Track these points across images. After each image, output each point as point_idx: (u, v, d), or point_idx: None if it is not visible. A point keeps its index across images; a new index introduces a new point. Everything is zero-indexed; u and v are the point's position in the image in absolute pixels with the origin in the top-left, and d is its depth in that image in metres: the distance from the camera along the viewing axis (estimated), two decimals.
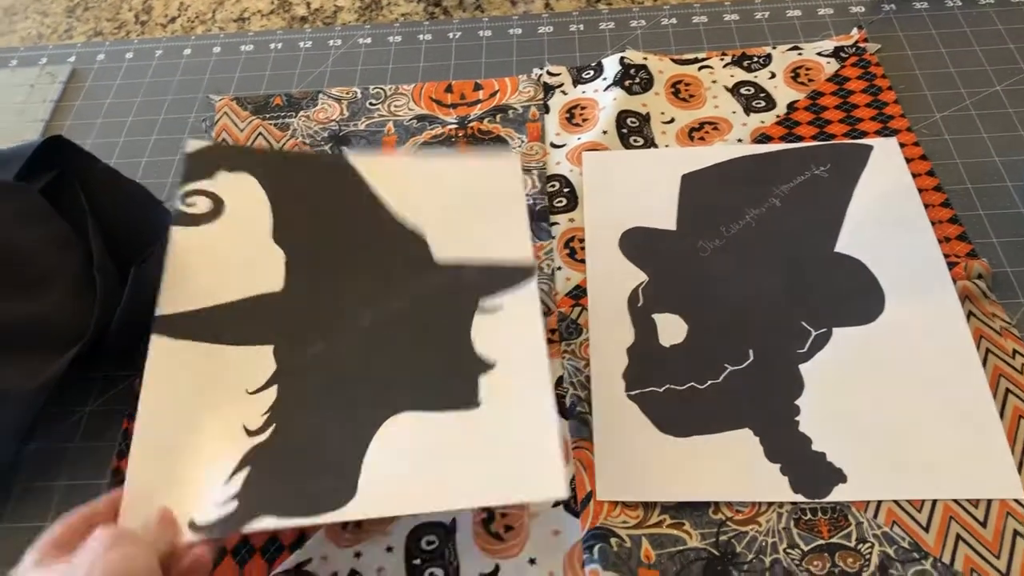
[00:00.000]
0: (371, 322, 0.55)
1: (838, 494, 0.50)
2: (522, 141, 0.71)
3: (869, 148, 0.66)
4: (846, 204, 0.63)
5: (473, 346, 0.53)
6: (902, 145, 0.66)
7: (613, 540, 0.49)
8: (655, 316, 0.59)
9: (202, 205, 0.58)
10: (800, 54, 0.75)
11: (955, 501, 0.49)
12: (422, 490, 0.47)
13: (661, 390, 0.56)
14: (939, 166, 0.65)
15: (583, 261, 0.63)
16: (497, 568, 0.50)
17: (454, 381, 0.52)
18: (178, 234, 0.56)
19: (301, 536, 0.52)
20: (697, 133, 0.70)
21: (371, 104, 0.76)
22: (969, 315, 0.57)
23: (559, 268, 0.63)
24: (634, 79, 0.73)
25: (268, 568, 0.51)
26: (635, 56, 0.75)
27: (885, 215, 0.62)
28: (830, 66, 0.74)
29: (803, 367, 0.56)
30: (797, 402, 0.54)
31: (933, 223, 0.61)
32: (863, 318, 0.57)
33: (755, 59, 0.75)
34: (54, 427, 0.58)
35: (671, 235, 0.63)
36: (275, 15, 0.89)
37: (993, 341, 0.55)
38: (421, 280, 0.57)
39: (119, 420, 0.58)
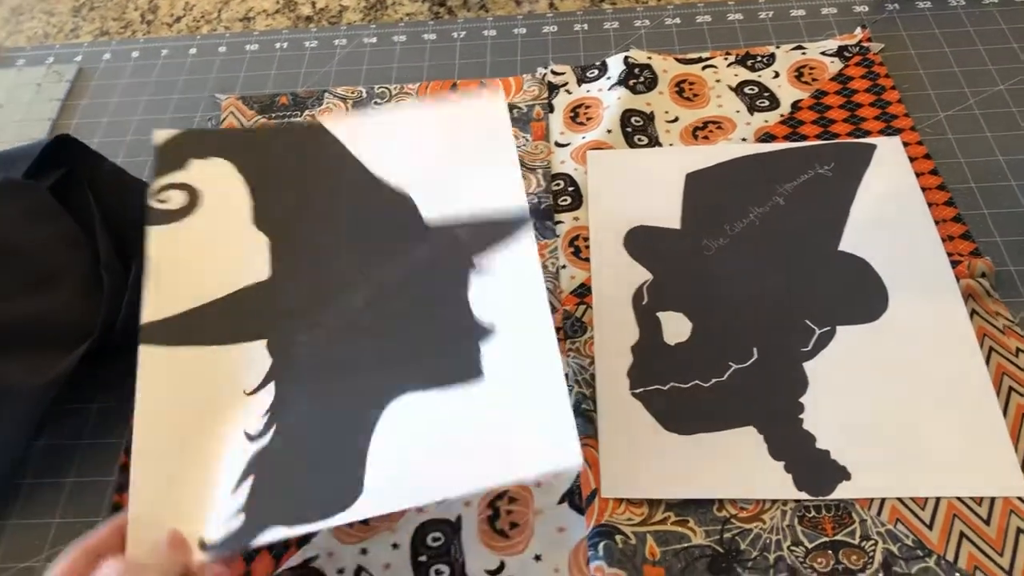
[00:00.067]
0: (365, 300, 0.52)
1: (842, 492, 0.50)
2: (527, 140, 0.72)
3: (873, 147, 0.67)
4: (850, 203, 0.63)
5: (472, 312, 0.50)
6: (905, 144, 0.67)
7: (618, 537, 0.49)
8: (659, 314, 0.59)
9: (177, 199, 0.54)
10: (804, 53, 0.76)
11: (958, 499, 0.50)
12: (429, 479, 0.45)
13: (665, 388, 0.56)
14: (942, 165, 0.66)
15: (588, 260, 0.63)
16: (502, 565, 0.50)
17: (455, 353, 0.49)
18: (155, 234, 0.52)
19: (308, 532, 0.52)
20: (701, 132, 0.71)
21: (376, 103, 0.76)
22: (972, 313, 0.57)
23: (564, 266, 0.63)
24: (638, 78, 0.74)
25: (275, 564, 0.51)
26: (639, 55, 0.76)
27: (889, 214, 0.62)
28: (834, 65, 0.74)
29: (807, 365, 0.56)
30: (801, 400, 0.54)
31: (936, 222, 0.61)
32: (867, 316, 0.57)
33: (759, 58, 0.76)
34: (63, 424, 0.58)
35: (675, 234, 0.64)
36: (280, 14, 0.89)
37: (996, 339, 0.56)
38: (412, 246, 0.53)
39: (127, 417, 0.58)
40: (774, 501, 0.51)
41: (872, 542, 0.49)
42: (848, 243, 0.61)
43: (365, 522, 0.52)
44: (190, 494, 0.46)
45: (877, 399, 0.54)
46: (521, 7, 0.86)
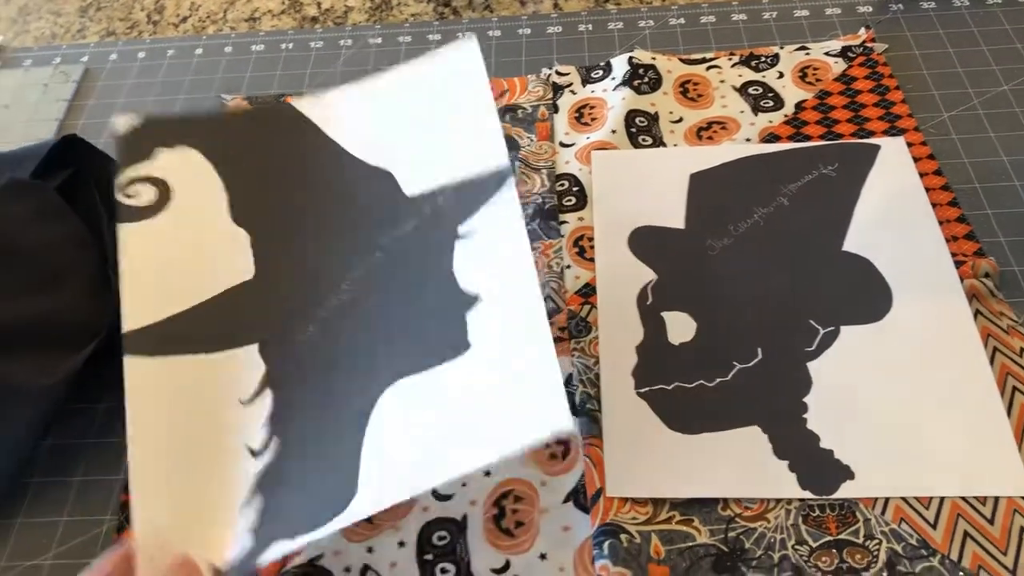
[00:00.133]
0: (352, 289, 0.50)
1: (846, 491, 0.51)
2: (531, 140, 0.72)
3: (876, 147, 0.67)
4: (853, 203, 0.64)
5: (457, 282, 0.47)
6: (909, 144, 0.67)
7: (623, 536, 0.50)
8: (664, 314, 0.60)
9: (146, 194, 0.50)
10: (808, 54, 0.76)
11: (962, 498, 0.50)
12: (421, 467, 0.42)
13: (670, 387, 0.56)
14: (946, 165, 0.66)
15: (592, 259, 0.63)
16: (508, 564, 0.50)
17: (443, 328, 0.46)
18: (126, 233, 0.48)
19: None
20: (705, 132, 0.71)
21: None
22: (976, 313, 0.57)
23: (568, 266, 0.63)
24: (643, 79, 0.74)
25: (281, 564, 0.51)
26: (644, 56, 0.76)
27: (892, 214, 0.63)
28: (837, 66, 0.74)
29: (811, 365, 0.56)
30: (805, 400, 0.54)
31: (940, 222, 0.62)
32: (871, 316, 0.58)
33: (763, 59, 0.76)
34: (70, 423, 0.59)
35: (680, 234, 0.64)
36: (286, 15, 0.89)
37: (1000, 339, 0.56)
38: (397, 224, 0.51)
39: None
40: (778, 500, 0.51)
41: (876, 541, 0.49)
42: (852, 243, 0.61)
43: (369, 519, 0.52)
44: (197, 517, 0.44)
45: (881, 399, 0.54)
46: (525, 7, 0.86)
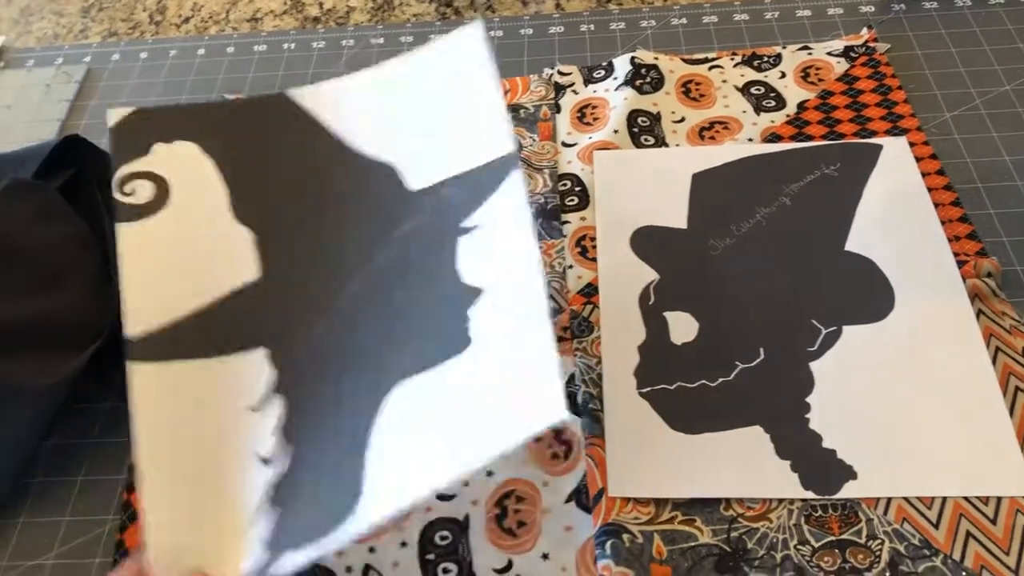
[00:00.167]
0: (357, 290, 0.48)
1: (848, 491, 0.51)
2: (534, 140, 0.72)
3: (879, 147, 0.67)
4: (856, 203, 0.64)
5: (461, 277, 0.46)
6: (912, 144, 0.67)
7: (625, 536, 0.49)
8: (666, 314, 0.60)
9: (144, 191, 0.48)
10: (810, 54, 0.76)
11: (965, 498, 0.50)
12: (421, 471, 0.41)
13: (672, 387, 0.56)
14: (949, 165, 0.66)
15: (595, 259, 0.63)
16: (510, 563, 0.50)
17: (446, 325, 0.44)
18: (125, 232, 0.47)
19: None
20: (708, 132, 0.71)
21: None
22: (979, 313, 0.57)
23: (571, 266, 0.63)
24: (645, 79, 0.74)
25: None
26: (646, 56, 0.76)
27: (895, 214, 0.63)
28: (840, 66, 0.74)
29: (813, 365, 0.56)
30: (807, 400, 0.54)
31: (943, 222, 0.62)
32: (873, 316, 0.58)
33: (765, 59, 0.76)
34: (72, 423, 0.59)
35: (682, 233, 0.64)
36: (288, 15, 0.90)
37: (1003, 339, 0.56)
38: (399, 220, 0.49)
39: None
40: (781, 500, 0.51)
41: (879, 541, 0.49)
42: (854, 243, 0.61)
43: None
44: (210, 530, 0.43)
45: (883, 399, 0.54)
46: (527, 8, 0.86)
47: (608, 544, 0.49)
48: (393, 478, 0.42)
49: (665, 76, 0.75)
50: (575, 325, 0.60)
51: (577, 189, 0.68)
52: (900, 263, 0.60)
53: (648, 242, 0.64)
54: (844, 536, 0.49)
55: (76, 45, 0.88)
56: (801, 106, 0.72)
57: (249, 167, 0.51)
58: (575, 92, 0.75)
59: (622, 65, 0.75)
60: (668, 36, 0.80)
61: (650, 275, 0.62)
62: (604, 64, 0.77)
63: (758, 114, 0.71)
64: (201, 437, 0.45)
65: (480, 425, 0.41)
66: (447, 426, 0.42)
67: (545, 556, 0.50)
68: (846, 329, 0.57)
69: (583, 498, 0.52)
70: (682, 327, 0.59)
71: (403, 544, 0.52)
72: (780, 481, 0.51)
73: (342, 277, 0.49)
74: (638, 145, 0.70)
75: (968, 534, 0.48)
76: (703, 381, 0.56)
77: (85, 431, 0.59)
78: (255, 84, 0.81)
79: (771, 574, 0.48)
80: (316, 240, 0.50)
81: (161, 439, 0.44)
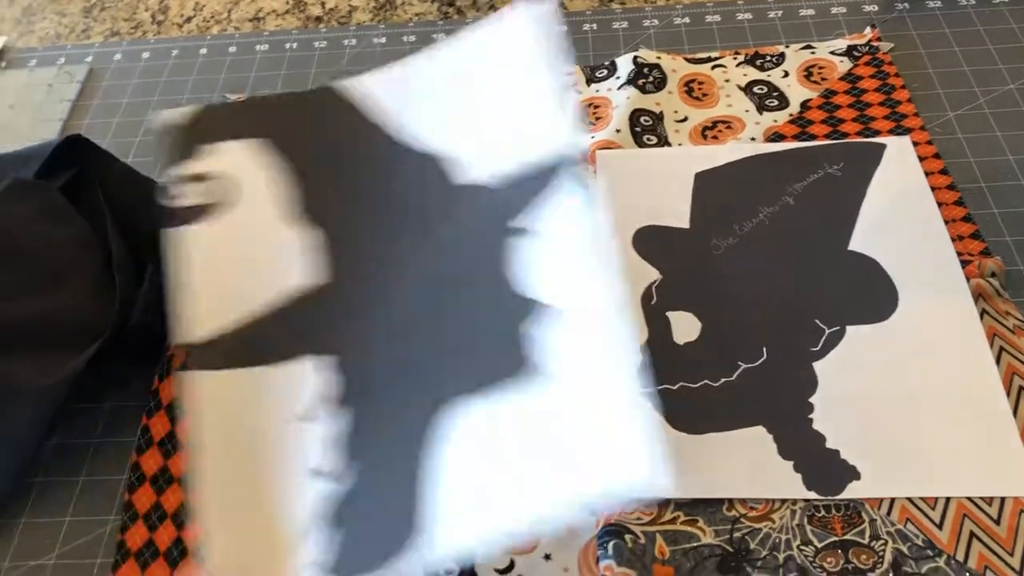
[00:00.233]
0: (412, 293, 0.45)
1: (851, 491, 0.50)
2: None
3: (882, 147, 0.66)
4: (859, 203, 0.63)
5: (515, 285, 0.42)
6: (915, 144, 0.66)
7: (627, 536, 0.49)
8: (669, 314, 0.59)
9: (202, 193, 0.48)
10: (813, 53, 0.75)
11: (968, 499, 0.50)
12: (498, 512, 0.39)
13: (675, 387, 0.56)
14: (952, 164, 0.66)
15: None
16: (512, 564, 0.50)
17: (503, 340, 0.41)
18: (182, 237, 0.46)
19: None
20: (710, 132, 0.71)
21: None
22: (982, 313, 0.57)
23: None
24: (647, 78, 0.74)
25: None
26: (648, 55, 0.76)
27: (898, 213, 0.62)
28: (843, 65, 0.74)
29: (816, 365, 0.56)
30: (811, 400, 0.54)
31: (946, 221, 0.61)
32: (876, 316, 0.57)
33: (768, 58, 0.76)
34: (74, 423, 0.59)
35: (685, 233, 0.64)
36: (290, 15, 0.89)
37: (1006, 339, 0.55)
38: (448, 215, 0.46)
39: (138, 416, 0.58)
40: (783, 501, 0.51)
41: (882, 542, 0.49)
42: (858, 243, 0.61)
43: None
44: (264, 551, 0.42)
45: (887, 399, 0.54)
46: None
47: (610, 544, 0.49)
48: (457, 519, 0.40)
49: (668, 75, 0.74)
50: None
51: None
52: (903, 263, 0.59)
53: (650, 242, 0.63)
54: (847, 537, 0.49)
55: (78, 45, 0.88)
56: (804, 105, 0.71)
57: (303, 163, 0.49)
58: (577, 91, 0.75)
59: (624, 64, 0.75)
60: (671, 35, 0.80)
61: (652, 275, 0.62)
62: (606, 63, 0.77)
63: (761, 113, 0.71)
64: (256, 449, 0.44)
65: (565, 477, 0.39)
66: (515, 471, 0.39)
67: (547, 557, 0.50)
68: (849, 329, 0.57)
69: None
70: (685, 327, 0.59)
71: None
72: (783, 481, 0.51)
73: (397, 281, 0.47)
74: (640, 145, 0.70)
75: (972, 535, 0.48)
76: (706, 381, 0.56)
77: (86, 431, 0.58)
78: (257, 84, 0.81)
79: (774, 575, 0.48)
80: (369, 243, 0.48)
81: (226, 456, 0.43)
